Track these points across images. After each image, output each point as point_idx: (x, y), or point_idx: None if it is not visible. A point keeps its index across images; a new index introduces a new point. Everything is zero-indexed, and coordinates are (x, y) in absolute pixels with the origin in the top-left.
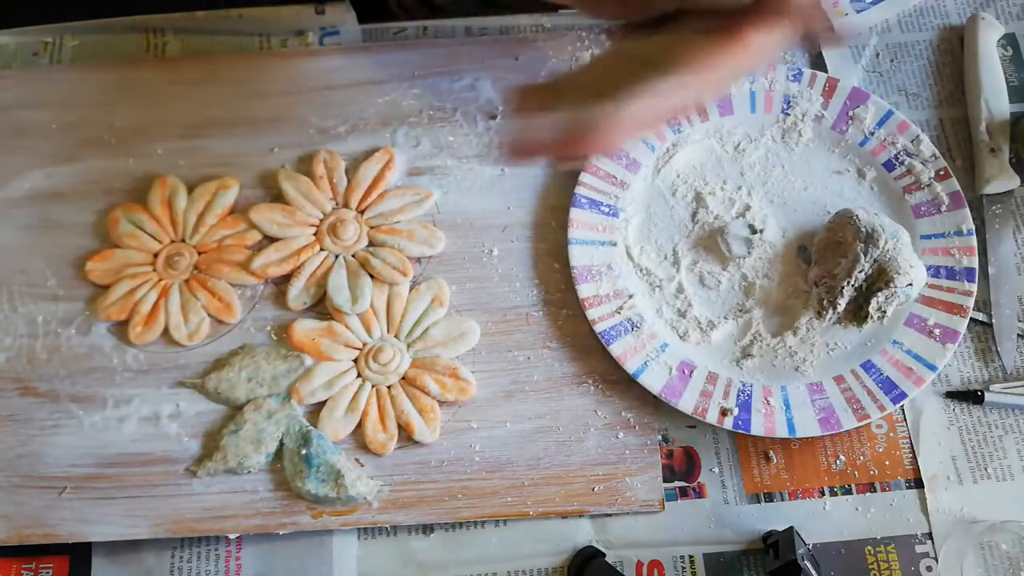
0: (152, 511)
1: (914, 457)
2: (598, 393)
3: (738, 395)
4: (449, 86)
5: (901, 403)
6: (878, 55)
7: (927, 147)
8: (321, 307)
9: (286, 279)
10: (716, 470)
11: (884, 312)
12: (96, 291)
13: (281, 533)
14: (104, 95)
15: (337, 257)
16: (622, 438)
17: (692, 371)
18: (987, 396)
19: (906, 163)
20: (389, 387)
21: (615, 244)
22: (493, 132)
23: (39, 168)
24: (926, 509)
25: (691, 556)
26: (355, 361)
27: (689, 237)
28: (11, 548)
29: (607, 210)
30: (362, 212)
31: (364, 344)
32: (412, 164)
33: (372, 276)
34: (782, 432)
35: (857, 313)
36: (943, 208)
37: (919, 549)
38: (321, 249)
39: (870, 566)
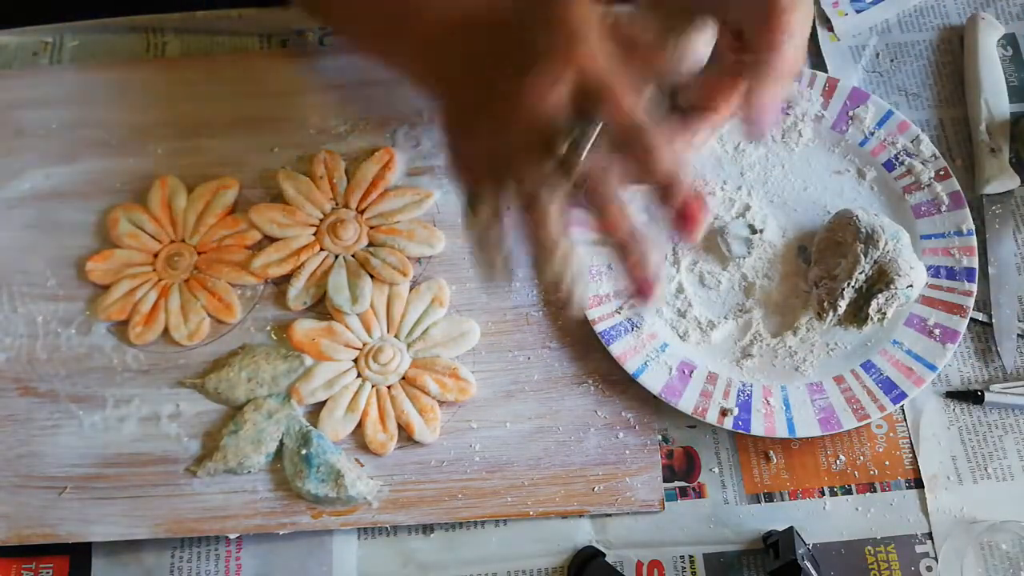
0: (152, 511)
1: (914, 457)
2: (598, 393)
3: (738, 395)
4: None
5: (901, 403)
6: (878, 55)
7: (927, 147)
8: (321, 307)
9: (286, 279)
10: (716, 470)
11: (884, 314)
12: (96, 291)
13: (281, 533)
14: (104, 95)
15: (337, 257)
16: (622, 438)
17: (692, 371)
18: (987, 396)
19: (906, 163)
20: (389, 387)
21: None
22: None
23: (39, 168)
24: (926, 509)
25: (691, 556)
26: (355, 361)
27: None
28: (11, 548)
29: None
30: (362, 212)
31: (364, 344)
32: (412, 164)
33: (372, 276)
34: (782, 432)
35: (857, 314)
36: (943, 208)
37: (919, 549)
38: (321, 249)
39: (870, 566)
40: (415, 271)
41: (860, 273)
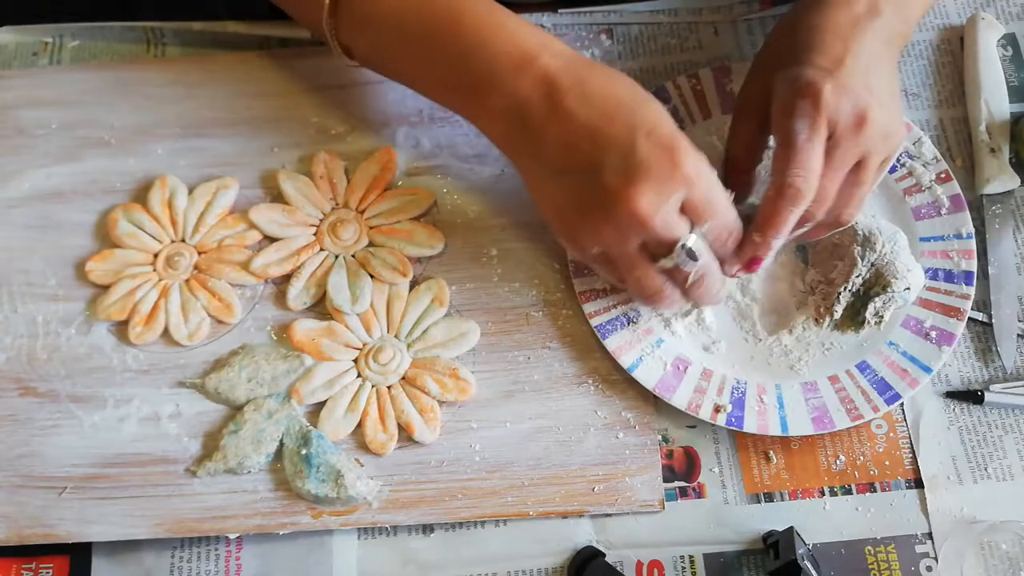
0: (152, 511)
1: (914, 457)
2: (598, 393)
3: (732, 392)
4: None
5: (895, 404)
6: None
7: (929, 149)
8: (321, 307)
9: (286, 279)
10: (716, 470)
11: (881, 317)
12: (96, 291)
13: (281, 533)
14: (104, 95)
15: (337, 257)
16: (622, 438)
17: (687, 367)
18: (987, 396)
19: (907, 165)
20: (389, 387)
21: None
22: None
23: (39, 168)
24: (926, 509)
25: (691, 556)
26: (355, 361)
27: None
28: (11, 548)
29: None
30: (362, 212)
31: (364, 344)
32: (412, 164)
33: (372, 276)
34: (775, 430)
35: (854, 318)
36: (943, 211)
37: (919, 549)
38: (321, 249)
39: (870, 566)
40: (415, 271)
41: (857, 276)
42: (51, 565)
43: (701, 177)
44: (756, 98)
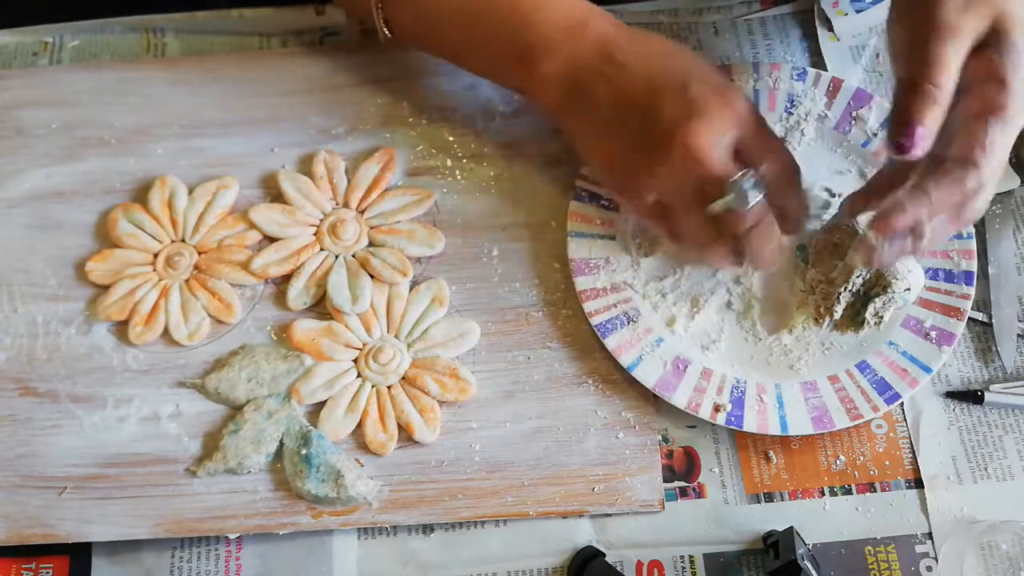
0: (152, 511)
1: (914, 457)
2: (598, 393)
3: (732, 391)
4: (449, 86)
5: (894, 404)
6: (878, 55)
7: None
8: (321, 307)
9: (286, 279)
10: (716, 470)
11: (881, 318)
12: (96, 291)
13: (281, 533)
14: (104, 95)
15: (337, 257)
16: (622, 438)
17: (687, 367)
18: (987, 396)
19: None
20: (389, 387)
21: (614, 238)
22: (493, 133)
23: (39, 168)
24: (926, 509)
25: (691, 556)
26: (355, 361)
27: None
28: (11, 548)
29: (607, 204)
30: (362, 212)
31: (364, 344)
32: (412, 164)
33: (372, 276)
34: (774, 429)
35: (854, 319)
36: None
37: (919, 549)
38: (321, 249)
39: (870, 566)
40: (415, 271)
41: (857, 276)
42: (51, 565)
43: (753, 117)
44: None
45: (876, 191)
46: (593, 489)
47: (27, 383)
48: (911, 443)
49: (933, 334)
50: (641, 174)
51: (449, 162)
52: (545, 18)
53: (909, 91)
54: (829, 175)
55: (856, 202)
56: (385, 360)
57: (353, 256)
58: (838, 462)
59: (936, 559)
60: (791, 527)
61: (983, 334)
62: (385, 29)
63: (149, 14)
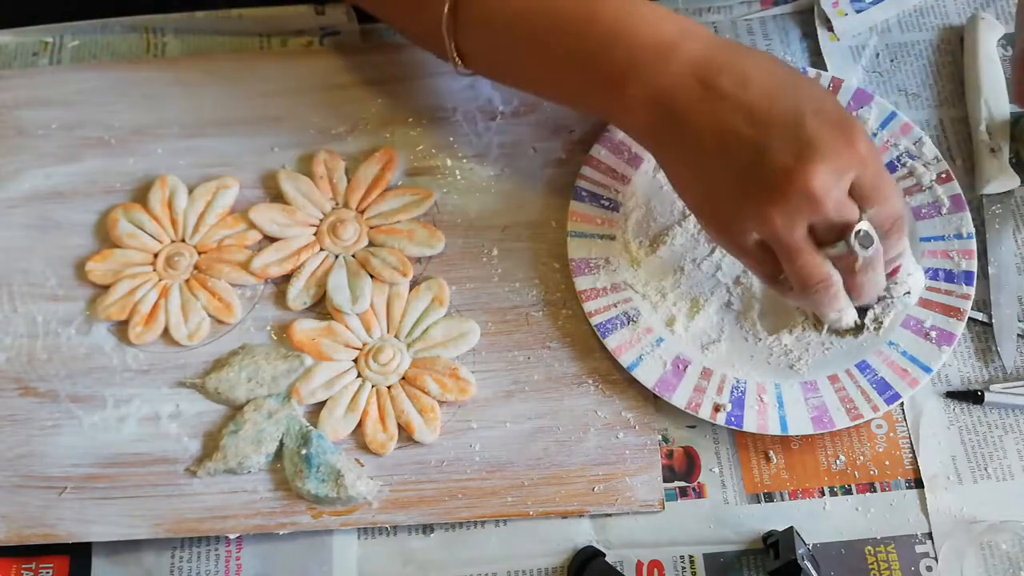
0: (152, 511)
1: (914, 457)
2: (598, 393)
3: (732, 391)
4: (449, 86)
5: (895, 404)
6: (878, 55)
7: (929, 149)
8: (321, 307)
9: (286, 279)
10: (716, 470)
11: (880, 323)
12: (96, 291)
13: (281, 533)
14: (104, 95)
15: (337, 257)
16: (622, 438)
17: (686, 366)
18: (987, 396)
19: (908, 165)
20: (389, 387)
21: (614, 238)
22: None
23: (39, 168)
24: (926, 509)
25: (691, 556)
26: (355, 361)
27: (688, 232)
28: (11, 548)
29: (607, 204)
30: (362, 212)
31: (364, 344)
32: (412, 164)
33: (372, 276)
34: (774, 429)
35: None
36: (944, 211)
37: (919, 549)
38: (321, 249)
39: (870, 566)
40: (415, 271)
41: None
42: (51, 565)
43: (874, 157)
44: None
45: None
46: (593, 489)
47: (27, 383)
48: (911, 443)
49: (933, 334)
50: (747, 216)
51: (449, 162)
52: (632, 43)
53: None
54: None
55: None
56: (385, 360)
57: (353, 256)
58: (838, 462)
59: (936, 559)
60: (791, 527)
61: (983, 334)
62: (458, 58)
63: (149, 14)
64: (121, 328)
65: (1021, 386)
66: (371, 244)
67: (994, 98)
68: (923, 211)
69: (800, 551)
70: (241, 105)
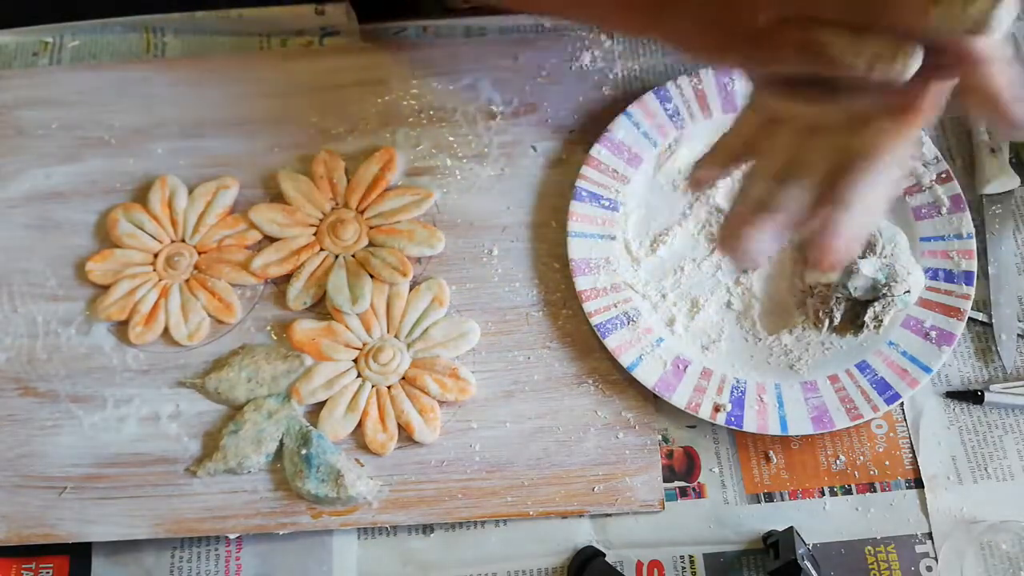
0: (152, 511)
1: (914, 457)
2: (598, 393)
3: (732, 391)
4: (449, 86)
5: (894, 404)
6: None
7: (929, 149)
8: (321, 307)
9: (286, 279)
10: (716, 470)
11: (880, 321)
12: (96, 291)
13: (281, 533)
14: (104, 95)
15: (337, 257)
16: (622, 438)
17: (687, 366)
18: (987, 396)
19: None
20: (389, 387)
21: (614, 238)
22: (493, 133)
23: (39, 168)
24: (926, 509)
25: (691, 556)
26: (355, 361)
27: (688, 232)
28: (11, 548)
29: (607, 204)
30: (362, 212)
31: (364, 344)
32: (412, 164)
33: (372, 276)
34: (774, 429)
35: (853, 322)
36: (943, 211)
37: (919, 549)
38: (321, 249)
39: (870, 566)
40: (415, 271)
41: (854, 284)
42: (51, 565)
43: None
44: None
45: None
46: (593, 489)
47: (27, 383)
48: (911, 443)
49: (933, 334)
50: None
51: (449, 162)
52: None
53: None
54: None
55: None
56: (385, 360)
57: (353, 256)
58: (838, 462)
59: (936, 559)
60: (791, 527)
61: (983, 334)
62: None
63: (149, 14)
64: (121, 328)
65: (1021, 386)
66: (371, 244)
67: None
68: (923, 211)
69: (800, 551)
70: (241, 105)
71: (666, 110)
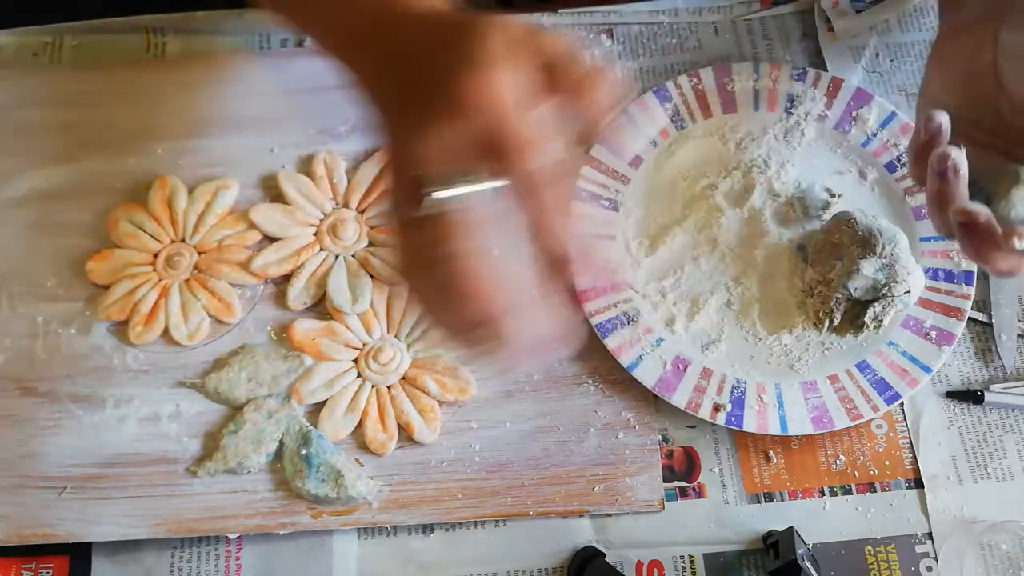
0: (152, 511)
1: (914, 457)
2: (598, 393)
3: (732, 391)
4: None
5: (894, 404)
6: (878, 55)
7: None
8: (321, 307)
9: (286, 279)
10: (716, 470)
11: (881, 321)
12: (96, 291)
13: (281, 533)
14: (104, 95)
15: (337, 257)
16: (622, 438)
17: (686, 367)
18: (987, 396)
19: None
20: (389, 387)
21: (614, 238)
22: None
23: (39, 168)
24: (926, 509)
25: (691, 556)
26: (355, 361)
27: (688, 232)
28: (11, 548)
29: (607, 204)
30: (362, 212)
31: (364, 344)
32: None
33: (372, 276)
34: (774, 429)
35: (853, 322)
36: None
37: (919, 549)
38: (321, 249)
39: (870, 566)
40: None
41: (853, 284)
42: (51, 565)
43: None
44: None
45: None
46: (593, 489)
47: (27, 383)
48: (911, 443)
49: (933, 334)
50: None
51: None
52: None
53: None
54: (829, 175)
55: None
56: (385, 360)
57: (353, 256)
58: (838, 462)
59: (936, 559)
60: (791, 527)
61: (983, 334)
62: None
63: (149, 14)
64: (121, 328)
65: (1021, 386)
66: (371, 244)
67: None
68: (923, 211)
69: (800, 551)
70: (241, 105)
71: (666, 110)
